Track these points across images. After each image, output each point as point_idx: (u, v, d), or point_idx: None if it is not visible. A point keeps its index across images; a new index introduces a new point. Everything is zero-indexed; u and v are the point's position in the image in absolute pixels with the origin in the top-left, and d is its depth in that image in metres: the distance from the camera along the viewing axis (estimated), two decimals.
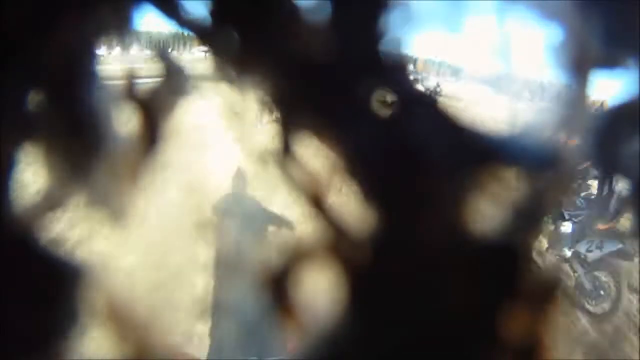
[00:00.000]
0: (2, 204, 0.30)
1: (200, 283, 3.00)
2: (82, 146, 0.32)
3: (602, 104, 0.37)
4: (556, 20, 0.34)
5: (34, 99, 0.31)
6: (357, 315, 0.30)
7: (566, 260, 2.48)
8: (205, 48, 0.31)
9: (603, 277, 2.43)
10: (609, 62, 0.34)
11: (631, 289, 2.39)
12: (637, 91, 0.34)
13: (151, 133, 0.34)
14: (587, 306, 2.41)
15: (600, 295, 2.42)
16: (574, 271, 2.47)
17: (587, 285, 2.43)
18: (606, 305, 2.38)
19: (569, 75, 0.34)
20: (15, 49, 0.29)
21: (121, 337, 0.33)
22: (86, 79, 0.32)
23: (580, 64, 0.34)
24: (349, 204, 0.31)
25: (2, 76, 0.29)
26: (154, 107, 0.34)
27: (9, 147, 0.30)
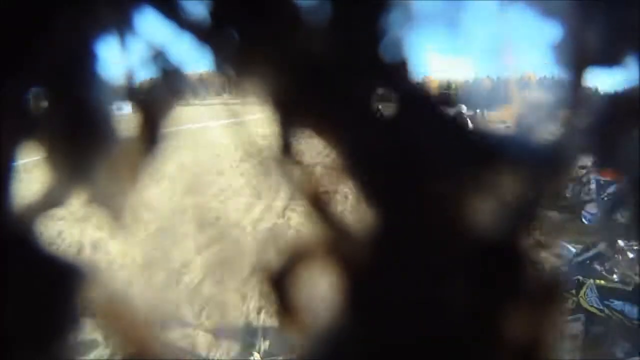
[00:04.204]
0: (2, 203, 0.30)
1: (198, 282, 3.00)
2: (82, 146, 0.32)
3: (601, 101, 0.37)
4: (555, 18, 0.34)
5: (34, 99, 0.31)
6: (357, 315, 0.30)
7: None
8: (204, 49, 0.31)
9: None
10: (608, 58, 0.34)
11: None
12: (637, 88, 0.34)
13: (151, 133, 0.34)
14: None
15: None
16: None
17: None
18: None
19: (568, 72, 0.34)
20: (15, 49, 0.29)
21: (121, 337, 0.33)
22: (86, 79, 0.32)
23: (579, 61, 0.34)
24: (349, 203, 0.31)
25: (2, 76, 0.29)
26: (154, 107, 0.34)
27: (9, 147, 0.30)
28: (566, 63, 0.34)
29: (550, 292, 0.30)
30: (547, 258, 0.30)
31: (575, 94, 0.34)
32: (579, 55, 0.33)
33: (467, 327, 0.29)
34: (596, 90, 0.36)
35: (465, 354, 0.29)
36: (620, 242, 2.09)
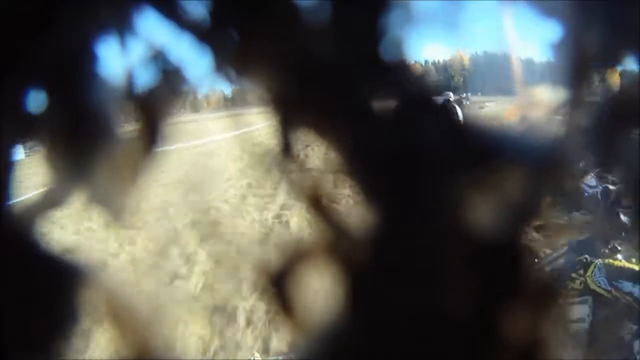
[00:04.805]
0: (2, 204, 0.30)
1: (198, 283, 3.00)
2: (82, 146, 0.32)
3: (600, 100, 0.37)
4: (556, 18, 0.34)
5: (34, 99, 0.31)
6: (357, 314, 0.30)
7: None
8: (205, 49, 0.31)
9: None
10: (608, 58, 0.34)
11: None
12: (636, 87, 0.34)
13: (151, 133, 0.34)
14: None
15: None
16: None
17: None
18: None
19: (568, 71, 0.34)
20: (15, 48, 0.29)
21: (121, 337, 0.33)
22: (86, 79, 0.32)
23: (579, 61, 0.34)
24: (349, 204, 0.31)
25: (2, 76, 0.29)
26: (154, 107, 0.34)
27: (9, 146, 0.30)
28: (566, 62, 0.34)
29: (550, 291, 0.30)
30: (546, 257, 0.30)
31: (575, 93, 0.34)
32: (579, 55, 0.34)
33: (467, 326, 0.29)
34: (596, 89, 0.36)
35: (466, 354, 0.29)
36: (623, 218, 1.93)
